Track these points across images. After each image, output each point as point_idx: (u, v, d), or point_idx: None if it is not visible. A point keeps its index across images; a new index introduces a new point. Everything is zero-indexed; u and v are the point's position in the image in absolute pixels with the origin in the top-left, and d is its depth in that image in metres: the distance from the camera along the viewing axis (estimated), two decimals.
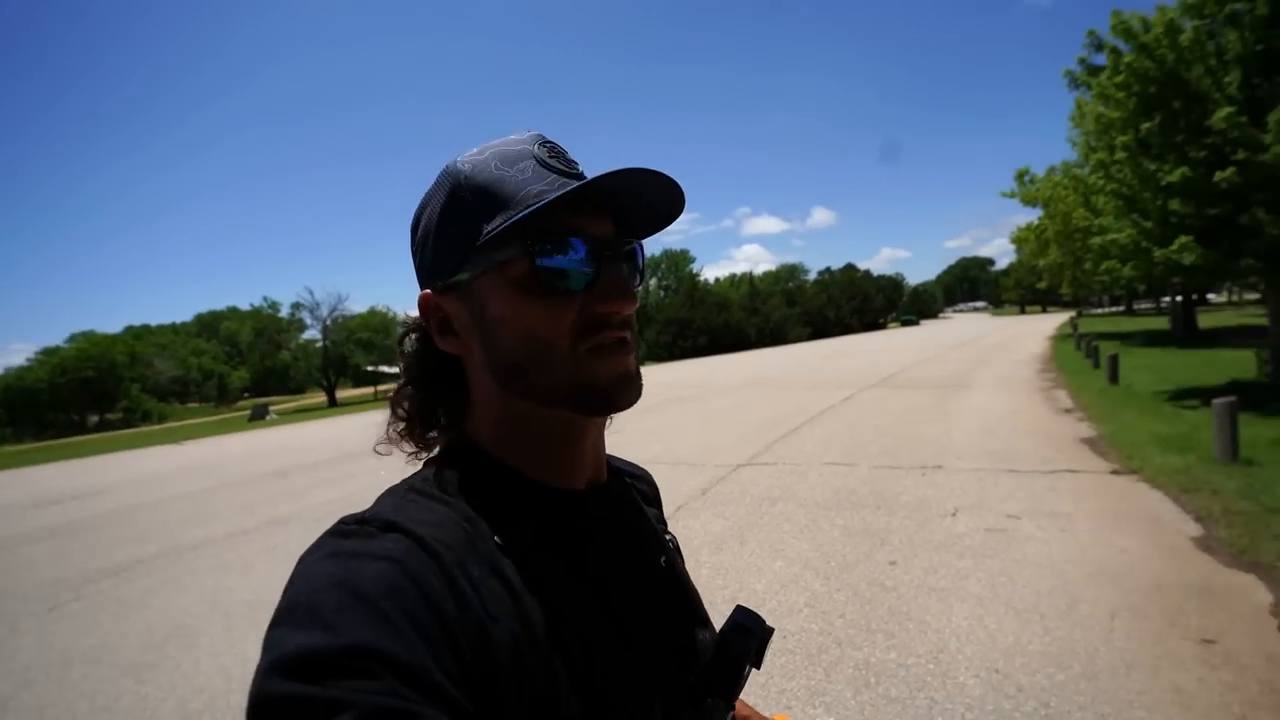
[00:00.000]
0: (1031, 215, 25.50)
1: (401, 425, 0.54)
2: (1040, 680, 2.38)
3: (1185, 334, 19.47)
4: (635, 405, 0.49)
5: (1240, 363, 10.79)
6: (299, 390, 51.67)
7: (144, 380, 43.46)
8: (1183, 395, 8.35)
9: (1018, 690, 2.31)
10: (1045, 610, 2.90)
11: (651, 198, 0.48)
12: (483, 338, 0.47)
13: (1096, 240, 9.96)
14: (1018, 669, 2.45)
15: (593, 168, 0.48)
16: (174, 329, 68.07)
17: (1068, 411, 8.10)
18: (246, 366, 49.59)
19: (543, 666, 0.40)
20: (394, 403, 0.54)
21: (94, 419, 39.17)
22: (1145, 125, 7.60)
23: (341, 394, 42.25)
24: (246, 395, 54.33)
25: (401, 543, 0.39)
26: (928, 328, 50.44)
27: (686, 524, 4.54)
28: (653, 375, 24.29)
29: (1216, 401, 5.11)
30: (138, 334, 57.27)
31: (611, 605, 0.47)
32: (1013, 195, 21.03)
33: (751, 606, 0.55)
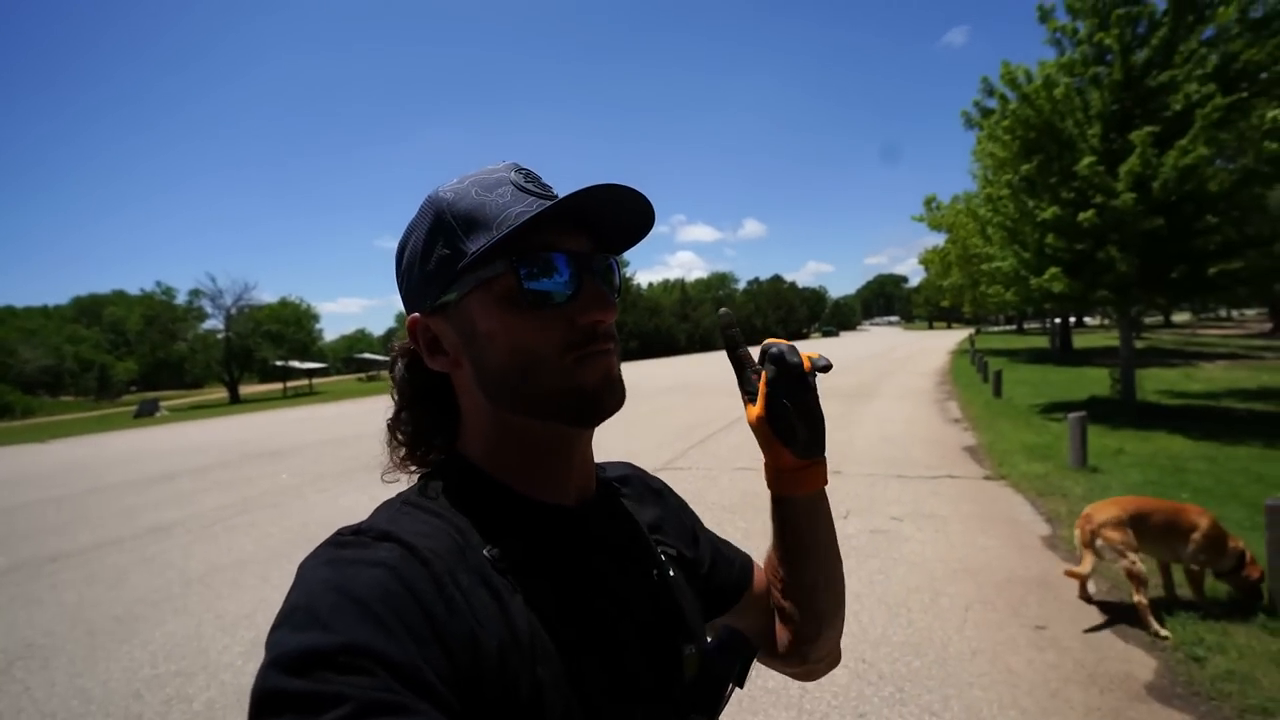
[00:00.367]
0: (939, 239, 27.75)
1: (402, 450, 0.56)
2: (899, 668, 2.64)
3: (1062, 353, 21.79)
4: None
5: (1102, 380, 12.24)
6: (196, 385, 47.31)
7: (5, 369, 38.31)
8: (1052, 409, 9.38)
9: (879, 677, 2.56)
10: (912, 604, 3.21)
11: (624, 214, 0.51)
12: (472, 354, 0.49)
13: (984, 266, 11.00)
14: (881, 658, 2.71)
15: (548, 175, 0.54)
16: (45, 312, 60.51)
17: (956, 421, 8.89)
18: (134, 357, 44.85)
19: (527, 675, 0.41)
20: (392, 428, 0.56)
21: None
22: (1025, 167, 8.50)
23: (246, 390, 39.15)
24: (133, 389, 49.18)
25: (395, 551, 0.41)
26: (846, 339, 53.43)
27: None
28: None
29: (1070, 416, 5.80)
30: (0, 317, 50.45)
31: (597, 619, 0.48)
32: (921, 219, 22.71)
33: None
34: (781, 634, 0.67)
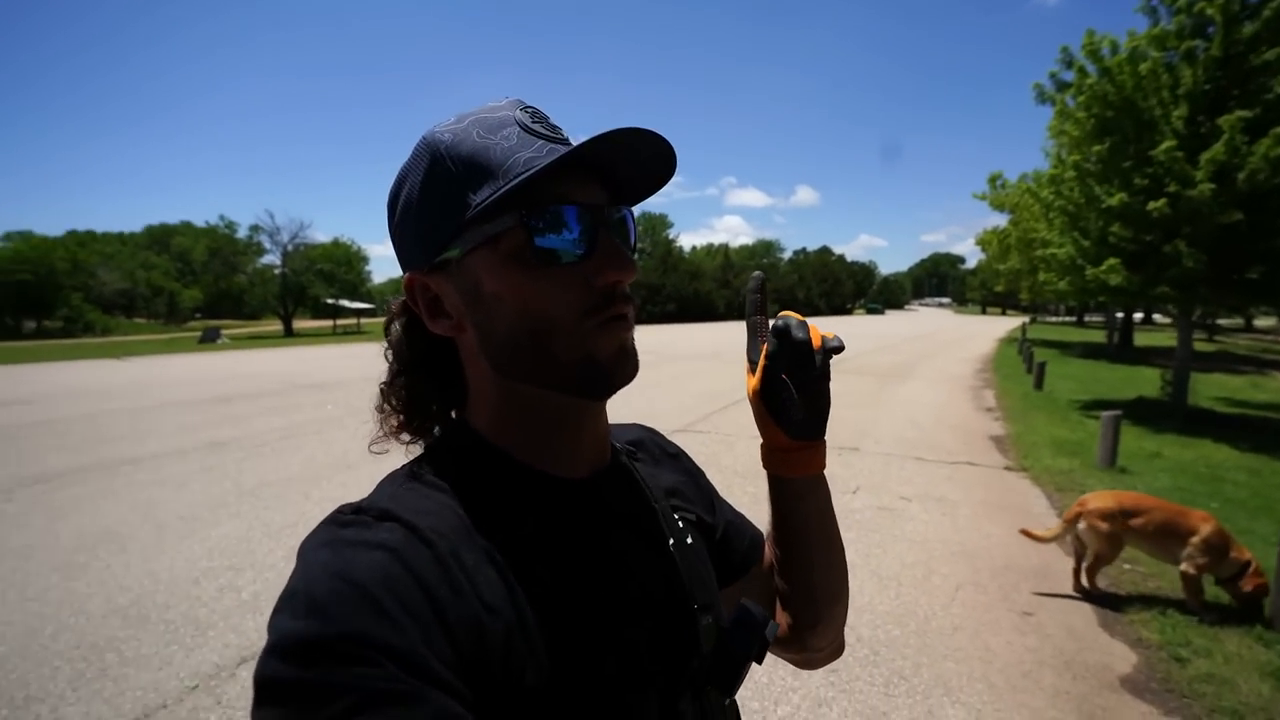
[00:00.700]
0: (1001, 219, 26.28)
1: (398, 418, 0.51)
2: (879, 634, 2.77)
3: (1119, 350, 20.66)
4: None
5: (1156, 381, 11.66)
6: (254, 316, 49.97)
7: (87, 290, 41.25)
8: (1094, 406, 9.04)
9: (857, 640, 2.70)
10: (904, 579, 3.31)
11: (643, 160, 0.46)
12: (477, 317, 0.45)
13: (1040, 252, 10.46)
14: (863, 623, 2.84)
15: (576, 130, 0.48)
16: (121, 239, 64.25)
17: (988, 410, 8.69)
18: (199, 286, 47.53)
19: (536, 655, 0.40)
20: (385, 394, 0.51)
21: (30, 325, 37.21)
22: (1097, 148, 7.96)
23: (299, 324, 41.12)
24: (198, 316, 52.22)
25: (397, 532, 0.39)
26: (891, 318, 51.83)
27: None
28: None
29: (1104, 415, 5.63)
30: (81, 240, 53.88)
31: (609, 595, 0.46)
32: (984, 198, 21.54)
33: None
34: (781, 617, 0.64)
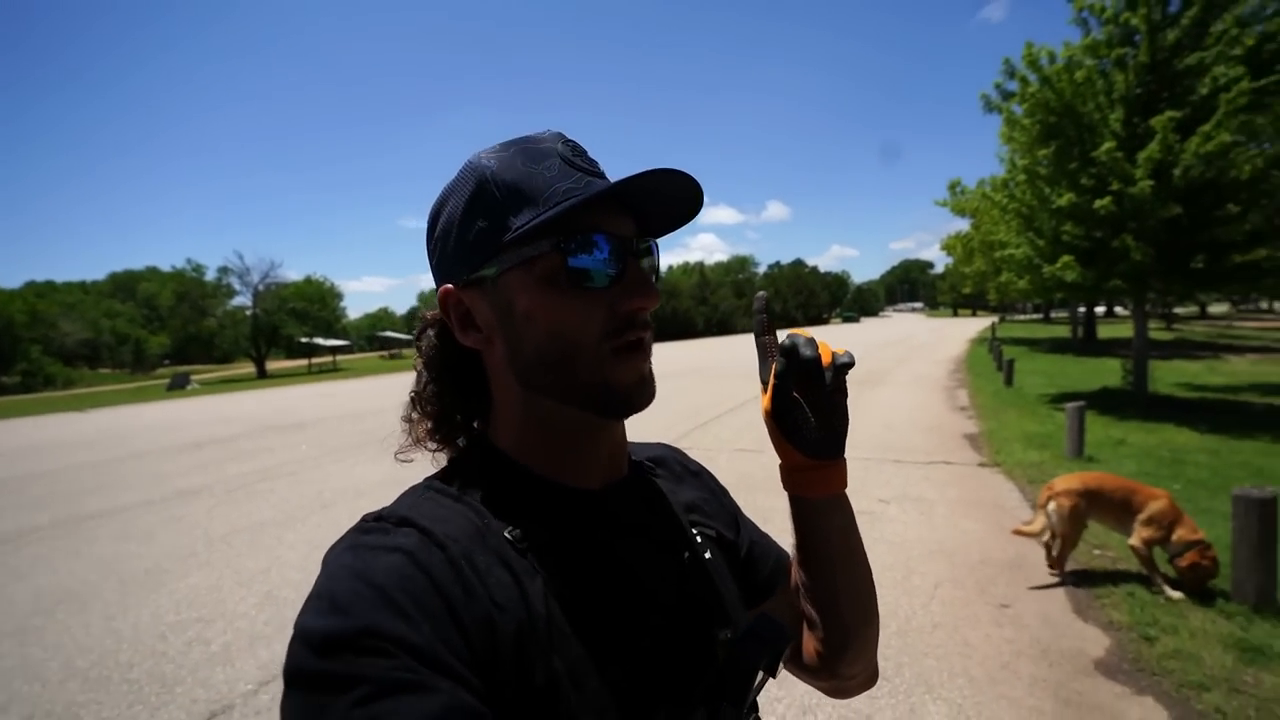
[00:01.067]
0: (964, 224, 27.12)
1: (425, 425, 0.54)
2: None
3: (1084, 343, 21.31)
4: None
5: (1118, 371, 12.04)
6: (225, 360, 48.83)
7: (47, 342, 40.00)
8: (1061, 398, 9.28)
9: None
10: (883, 581, 3.34)
11: (672, 198, 0.49)
12: (507, 333, 0.48)
13: (1000, 254, 10.83)
14: None
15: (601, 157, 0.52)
16: (84, 287, 62.74)
17: (962, 409, 8.88)
18: (166, 332, 46.39)
19: (544, 658, 0.41)
20: (415, 401, 0.54)
21: None
22: (1043, 151, 8.33)
23: (272, 365, 40.29)
24: (166, 363, 50.91)
25: (413, 536, 0.41)
26: (866, 325, 52.76)
27: None
28: None
29: (1069, 406, 5.80)
30: (40, 290, 52.46)
31: (619, 603, 0.47)
32: (945, 204, 22.22)
33: None
34: (809, 643, 0.62)
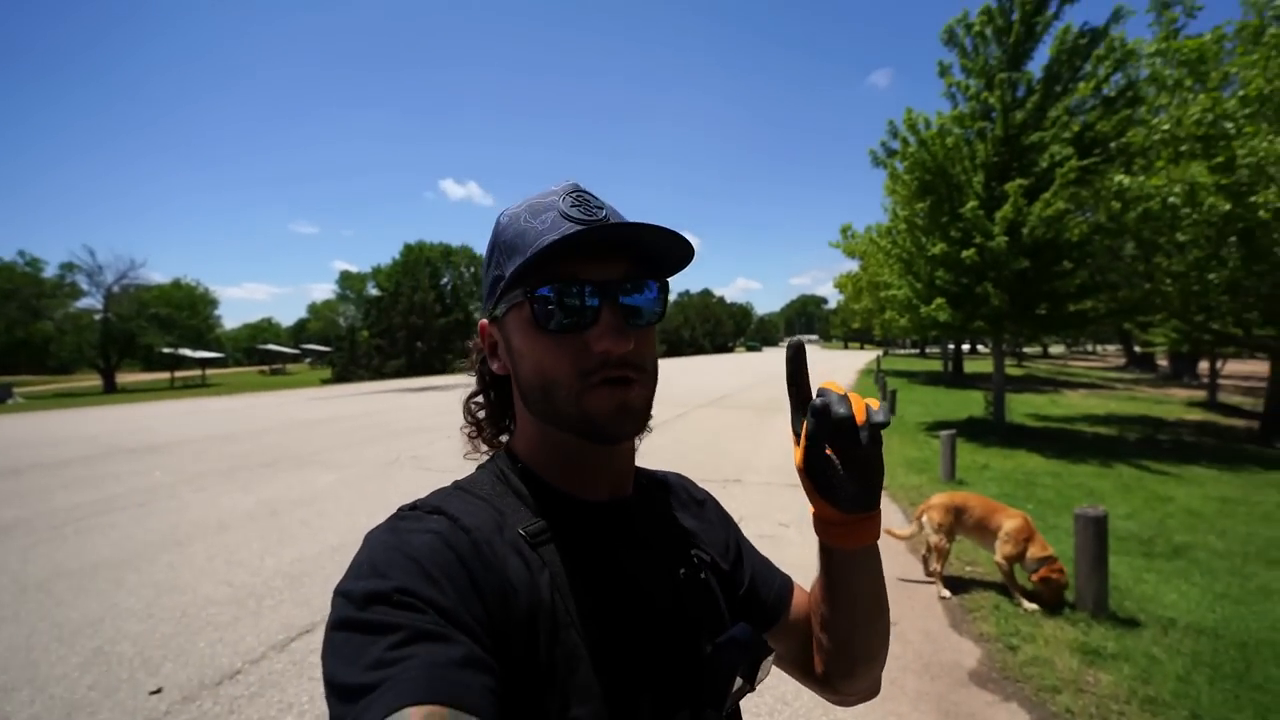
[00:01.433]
0: (853, 264, 29.68)
1: (471, 430, 0.64)
2: None
3: (953, 376, 23.84)
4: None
5: (981, 402, 13.55)
6: (64, 370, 42.00)
7: None
8: (936, 426, 10.26)
9: None
10: None
11: (655, 247, 0.53)
12: (511, 365, 0.56)
13: (884, 294, 11.92)
14: None
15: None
16: None
17: None
18: None
19: (549, 638, 0.47)
20: (467, 408, 0.64)
21: None
22: (920, 205, 9.33)
23: (126, 379, 35.32)
24: None
25: (443, 522, 0.49)
26: (768, 355, 55.69)
27: None
28: None
29: (942, 434, 6.41)
30: None
31: (615, 602, 0.52)
32: (838, 246, 24.26)
33: None
34: (817, 661, 0.66)
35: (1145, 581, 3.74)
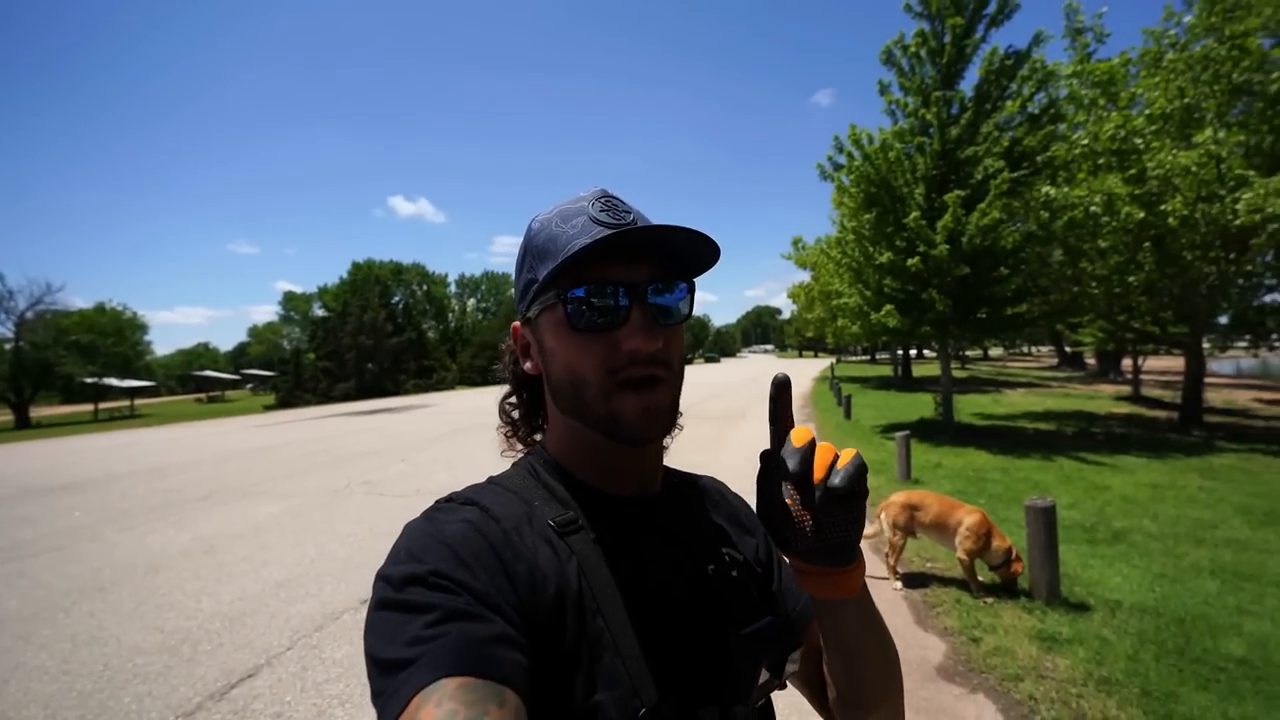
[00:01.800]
0: (805, 276, 30.58)
1: (507, 429, 0.67)
2: None
3: (903, 380, 24.75)
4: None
5: (930, 404, 14.10)
6: None
7: None
8: (890, 429, 10.59)
9: None
10: None
11: (682, 248, 0.55)
12: (544, 365, 0.58)
13: (836, 302, 12.29)
14: None
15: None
16: None
17: None
18: None
19: (576, 623, 0.48)
20: (502, 408, 0.67)
21: None
22: (866, 216, 9.69)
23: (42, 412, 32.58)
24: None
25: (475, 512, 0.51)
26: (726, 365, 56.50)
27: None
28: (455, 402, 23.22)
29: (897, 435, 6.60)
30: None
31: (642, 594, 0.52)
32: (789, 258, 24.94)
33: None
34: (830, 691, 0.62)
35: (1091, 567, 3.91)
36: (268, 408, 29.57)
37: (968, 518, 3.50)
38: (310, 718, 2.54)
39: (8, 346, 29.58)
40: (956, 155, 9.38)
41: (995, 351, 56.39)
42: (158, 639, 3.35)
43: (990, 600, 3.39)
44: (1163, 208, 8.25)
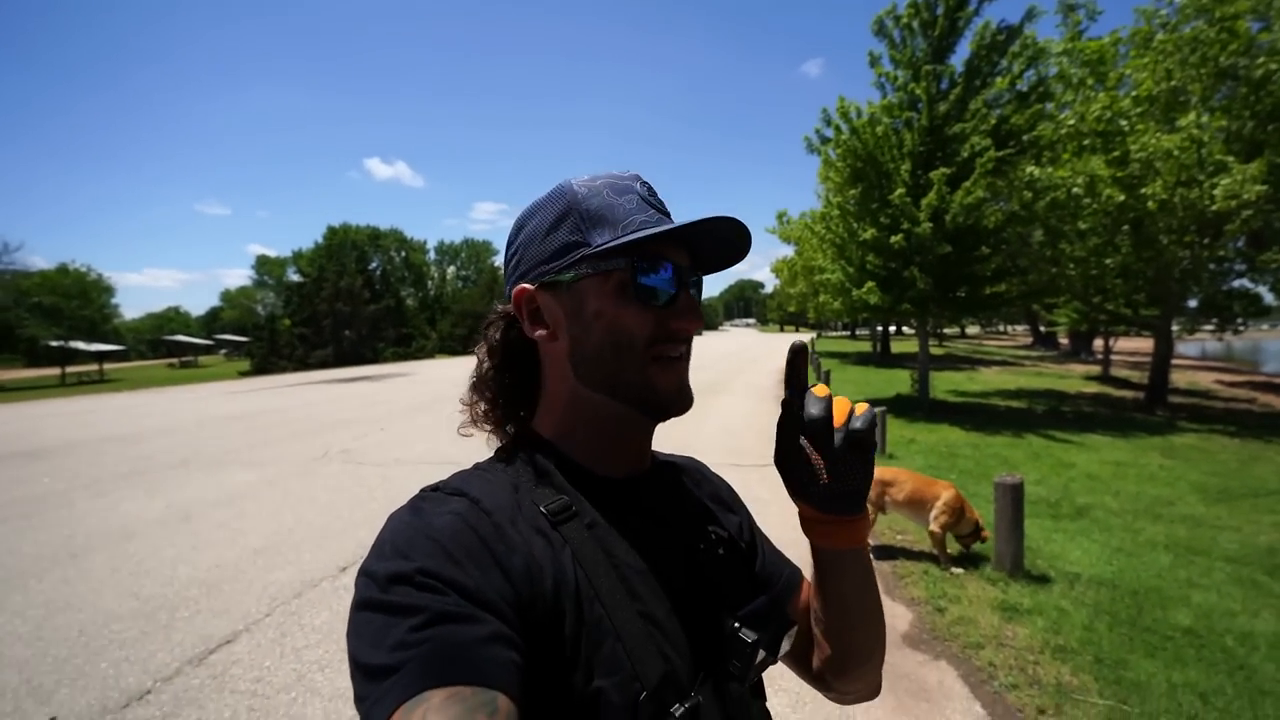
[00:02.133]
0: (789, 250, 30.56)
1: (482, 407, 0.62)
2: None
3: (882, 356, 25.13)
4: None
5: (907, 380, 14.36)
6: None
7: None
8: (868, 404, 10.77)
9: None
10: None
11: (724, 240, 0.57)
12: (574, 330, 0.56)
13: (818, 278, 12.33)
14: None
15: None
16: None
17: None
18: None
19: (573, 611, 0.48)
20: (477, 386, 0.62)
21: None
22: (851, 191, 9.66)
23: (8, 375, 31.50)
24: None
25: (463, 503, 0.50)
26: (709, 337, 56.72)
27: None
28: (435, 370, 23.02)
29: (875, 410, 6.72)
30: None
31: (635, 575, 0.52)
32: (773, 231, 24.86)
33: None
34: (815, 657, 0.66)
35: (1054, 541, 4.07)
36: (242, 374, 29.01)
37: (944, 493, 3.60)
38: (290, 682, 2.57)
39: None
40: (944, 132, 9.34)
41: (972, 330, 57.39)
42: (134, 605, 3.33)
43: (958, 571, 3.52)
44: (1143, 191, 8.36)
